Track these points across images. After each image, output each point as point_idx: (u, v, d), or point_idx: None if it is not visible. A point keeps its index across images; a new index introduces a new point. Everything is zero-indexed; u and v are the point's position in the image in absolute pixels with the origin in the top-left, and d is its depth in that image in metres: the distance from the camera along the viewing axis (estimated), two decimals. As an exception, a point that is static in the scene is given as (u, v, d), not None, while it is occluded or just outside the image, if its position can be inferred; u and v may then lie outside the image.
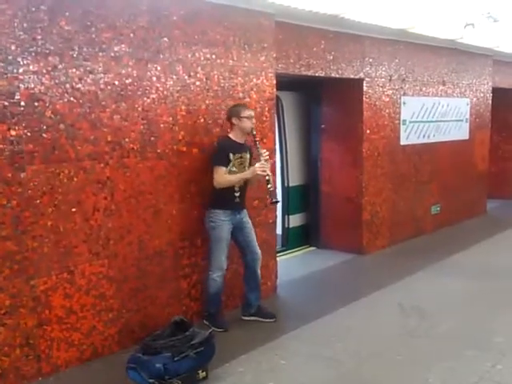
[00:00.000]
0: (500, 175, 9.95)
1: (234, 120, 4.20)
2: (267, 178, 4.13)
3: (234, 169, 4.19)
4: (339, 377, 3.54)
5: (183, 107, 4.15)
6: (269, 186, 4.14)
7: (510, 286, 5.29)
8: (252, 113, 4.26)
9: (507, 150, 10.01)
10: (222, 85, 4.44)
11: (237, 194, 4.23)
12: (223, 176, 4.13)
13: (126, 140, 3.81)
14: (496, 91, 8.86)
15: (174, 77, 4.07)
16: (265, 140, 4.81)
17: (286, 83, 5.77)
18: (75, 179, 3.56)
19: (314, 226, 6.78)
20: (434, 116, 7.42)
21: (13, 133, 3.23)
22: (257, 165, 4.13)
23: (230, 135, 4.26)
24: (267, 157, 4.20)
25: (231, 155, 4.16)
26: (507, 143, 10.00)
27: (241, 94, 4.59)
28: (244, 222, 4.35)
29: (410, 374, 3.56)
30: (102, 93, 3.65)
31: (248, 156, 4.29)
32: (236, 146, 4.22)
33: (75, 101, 3.51)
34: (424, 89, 7.17)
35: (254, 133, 4.22)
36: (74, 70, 3.49)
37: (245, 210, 4.37)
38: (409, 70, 6.85)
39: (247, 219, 4.38)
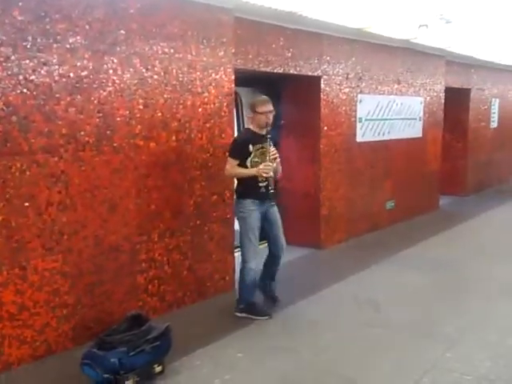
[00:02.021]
0: (452, 172, 10.27)
1: (251, 113, 4.37)
2: (269, 179, 4.23)
3: (256, 159, 4.29)
4: (296, 368, 3.59)
5: (140, 101, 4.12)
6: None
7: (459, 278, 5.50)
8: (268, 109, 4.33)
9: (459, 148, 10.33)
10: (181, 79, 4.42)
11: (262, 185, 4.30)
12: (232, 167, 4.29)
13: (82, 133, 3.75)
14: (448, 91, 9.14)
15: (131, 70, 4.03)
16: (223, 135, 4.82)
17: (245, 79, 5.79)
18: (28, 173, 3.48)
19: (273, 222, 6.83)
20: (389, 114, 7.60)
21: (-38, 124, 3.14)
22: (261, 166, 4.20)
23: (250, 127, 4.44)
24: (274, 156, 4.28)
25: (251, 146, 4.27)
26: (459, 141, 10.33)
27: (199, 89, 4.59)
28: (269, 213, 4.43)
29: (366, 363, 3.66)
30: (56, 85, 3.57)
31: (270, 146, 4.31)
32: (256, 137, 4.33)
33: (28, 93, 3.43)
34: (379, 87, 7.33)
35: (269, 128, 4.30)
36: (27, 61, 3.41)
37: (272, 201, 4.44)
38: (365, 68, 6.99)
39: (273, 210, 4.46)
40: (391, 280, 5.42)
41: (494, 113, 11.26)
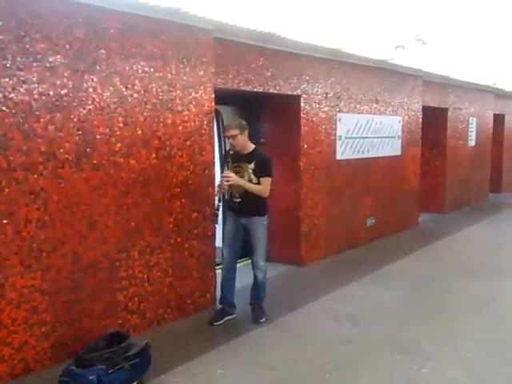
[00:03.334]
0: (431, 189, 10.44)
1: None
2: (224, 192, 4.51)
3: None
4: (274, 383, 3.61)
5: (120, 119, 4.16)
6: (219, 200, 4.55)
7: (436, 294, 5.57)
8: (228, 134, 4.58)
9: (437, 165, 10.51)
10: (161, 97, 4.48)
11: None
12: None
13: (61, 151, 3.78)
14: (426, 110, 9.35)
15: (111, 88, 4.09)
16: (203, 153, 4.88)
17: (226, 98, 5.87)
18: (7, 190, 3.49)
19: (254, 239, 6.86)
20: (368, 132, 7.74)
21: None
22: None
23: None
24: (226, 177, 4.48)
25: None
26: (437, 159, 10.52)
27: (180, 108, 4.65)
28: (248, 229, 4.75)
29: (343, 378, 3.69)
30: (36, 103, 3.61)
31: (249, 166, 4.56)
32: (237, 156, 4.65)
33: (8, 110, 3.46)
34: (358, 106, 7.47)
35: (230, 152, 4.66)
36: (6, 79, 3.45)
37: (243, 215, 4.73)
38: (344, 88, 7.13)
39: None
40: (370, 296, 5.47)
41: (472, 131, 11.50)
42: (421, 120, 9.19)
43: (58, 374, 3.36)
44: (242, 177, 4.56)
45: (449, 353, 4.09)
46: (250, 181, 4.56)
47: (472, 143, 11.56)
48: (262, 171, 4.55)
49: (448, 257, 7.29)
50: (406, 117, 8.73)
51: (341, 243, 7.25)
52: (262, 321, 4.69)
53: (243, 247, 4.82)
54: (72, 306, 3.94)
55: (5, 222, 3.49)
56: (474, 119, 11.56)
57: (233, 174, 4.50)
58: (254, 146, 4.68)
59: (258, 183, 4.55)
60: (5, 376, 3.56)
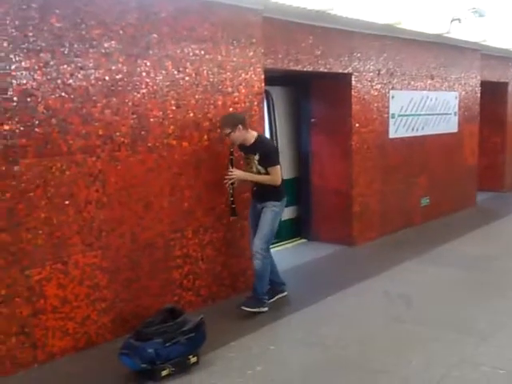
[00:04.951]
0: (490, 167, 10.08)
1: None
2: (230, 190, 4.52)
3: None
4: (326, 360, 3.66)
5: (173, 102, 4.26)
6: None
7: (493, 275, 5.43)
8: (222, 133, 4.48)
9: (497, 142, 10.13)
10: (211, 80, 4.54)
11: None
12: None
13: (117, 134, 3.92)
14: (485, 85, 8.98)
15: (164, 72, 4.17)
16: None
17: (276, 78, 5.88)
18: (67, 172, 3.66)
19: (305, 219, 6.89)
20: (423, 109, 7.54)
21: (6, 127, 3.33)
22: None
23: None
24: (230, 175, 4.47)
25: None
26: (497, 136, 10.12)
27: (230, 89, 4.69)
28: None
29: (394, 356, 3.69)
30: (92, 88, 3.75)
31: (254, 157, 4.49)
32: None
33: (67, 96, 3.61)
34: (412, 83, 7.28)
35: (231, 149, 4.52)
36: (65, 66, 3.59)
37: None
38: (397, 64, 6.96)
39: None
40: (424, 276, 5.40)
41: (534, 106, 10.97)
42: (479, 95, 8.86)
43: (119, 347, 3.52)
44: (251, 167, 4.53)
45: (506, 333, 4.00)
46: (259, 172, 4.50)
47: (534, 118, 11.02)
48: (267, 162, 4.46)
49: (506, 237, 7.08)
50: (463, 92, 8.43)
51: (394, 223, 7.15)
52: (245, 309, 4.38)
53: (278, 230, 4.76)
54: (131, 284, 4.11)
55: (66, 202, 3.67)
56: (537, 93, 11.00)
57: (237, 171, 4.48)
58: (255, 136, 4.52)
59: (267, 173, 4.48)
60: (69, 349, 3.78)
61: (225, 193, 4.69)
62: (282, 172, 4.57)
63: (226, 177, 4.48)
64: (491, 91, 9.47)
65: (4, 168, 3.35)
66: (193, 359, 3.55)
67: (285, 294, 4.86)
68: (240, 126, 4.38)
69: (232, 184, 4.50)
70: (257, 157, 4.48)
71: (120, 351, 3.47)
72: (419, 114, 7.49)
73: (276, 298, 4.78)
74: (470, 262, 5.85)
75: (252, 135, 4.51)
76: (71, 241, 3.72)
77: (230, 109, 4.69)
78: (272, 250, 5.07)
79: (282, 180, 4.59)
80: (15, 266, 3.44)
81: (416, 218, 7.59)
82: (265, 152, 4.47)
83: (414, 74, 7.28)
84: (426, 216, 7.74)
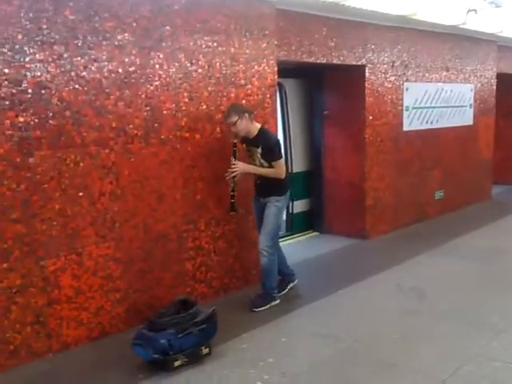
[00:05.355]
0: (506, 160, 9.97)
1: None
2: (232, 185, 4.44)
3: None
4: (337, 353, 3.66)
5: (186, 94, 4.26)
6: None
7: (507, 269, 5.38)
8: (228, 122, 4.36)
9: (513, 135, 10.01)
10: (224, 72, 4.54)
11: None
12: None
13: (130, 126, 3.94)
14: (501, 77, 8.86)
15: (177, 64, 4.18)
16: (266, 126, 4.90)
17: (288, 70, 5.85)
18: (81, 164, 3.69)
19: (318, 212, 6.88)
20: (438, 102, 7.46)
21: (21, 119, 3.37)
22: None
23: None
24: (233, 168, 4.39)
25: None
26: (513, 129, 10.00)
27: (242, 81, 4.69)
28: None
29: (406, 349, 3.68)
30: (106, 80, 3.77)
31: (257, 150, 4.43)
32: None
33: (80, 88, 3.64)
34: (427, 75, 7.21)
35: (234, 141, 4.44)
36: (78, 58, 3.61)
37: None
38: (411, 56, 6.89)
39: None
40: (438, 269, 5.36)
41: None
42: (495, 87, 8.74)
43: (132, 337, 3.55)
44: (254, 160, 4.47)
45: (521, 329, 3.97)
46: (262, 165, 4.44)
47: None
48: (269, 156, 4.39)
49: (522, 231, 7.00)
50: (479, 84, 8.33)
51: (408, 217, 7.11)
52: (256, 310, 4.40)
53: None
54: (144, 275, 4.14)
55: (80, 194, 3.71)
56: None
57: (240, 164, 4.40)
58: (258, 128, 4.45)
59: (270, 166, 4.43)
60: (83, 339, 3.83)
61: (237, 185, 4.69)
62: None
63: (229, 170, 4.39)
64: (508, 83, 9.33)
65: (19, 160, 3.39)
66: (205, 350, 3.58)
67: (295, 282, 4.86)
68: (246, 115, 4.32)
69: (234, 178, 4.41)
70: (259, 150, 4.41)
71: (133, 341, 3.51)
72: (434, 107, 7.42)
73: (287, 288, 4.79)
74: (484, 255, 5.80)
75: (256, 127, 4.44)
76: (85, 232, 3.76)
77: (243, 101, 4.69)
78: (284, 243, 5.09)
79: (286, 172, 4.57)
80: (30, 256, 3.49)
81: (430, 211, 7.54)
82: (267, 145, 4.39)
83: (428, 65, 7.21)
84: (440, 209, 7.68)
